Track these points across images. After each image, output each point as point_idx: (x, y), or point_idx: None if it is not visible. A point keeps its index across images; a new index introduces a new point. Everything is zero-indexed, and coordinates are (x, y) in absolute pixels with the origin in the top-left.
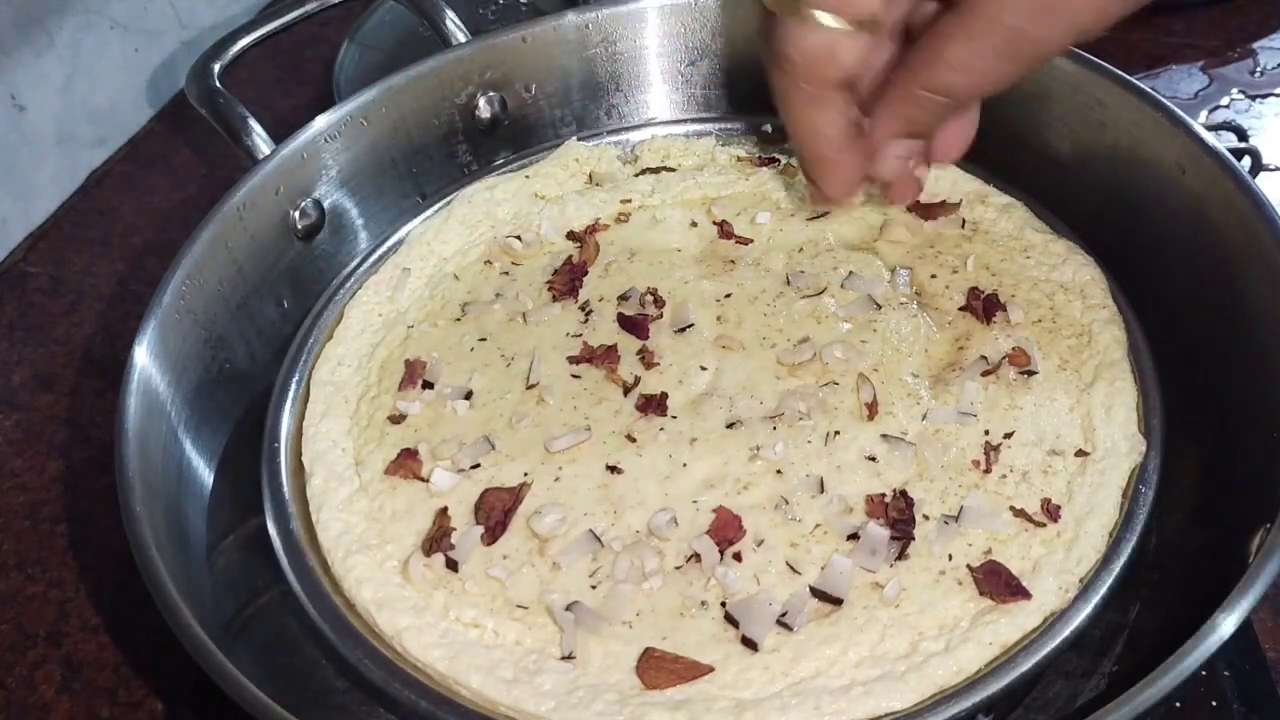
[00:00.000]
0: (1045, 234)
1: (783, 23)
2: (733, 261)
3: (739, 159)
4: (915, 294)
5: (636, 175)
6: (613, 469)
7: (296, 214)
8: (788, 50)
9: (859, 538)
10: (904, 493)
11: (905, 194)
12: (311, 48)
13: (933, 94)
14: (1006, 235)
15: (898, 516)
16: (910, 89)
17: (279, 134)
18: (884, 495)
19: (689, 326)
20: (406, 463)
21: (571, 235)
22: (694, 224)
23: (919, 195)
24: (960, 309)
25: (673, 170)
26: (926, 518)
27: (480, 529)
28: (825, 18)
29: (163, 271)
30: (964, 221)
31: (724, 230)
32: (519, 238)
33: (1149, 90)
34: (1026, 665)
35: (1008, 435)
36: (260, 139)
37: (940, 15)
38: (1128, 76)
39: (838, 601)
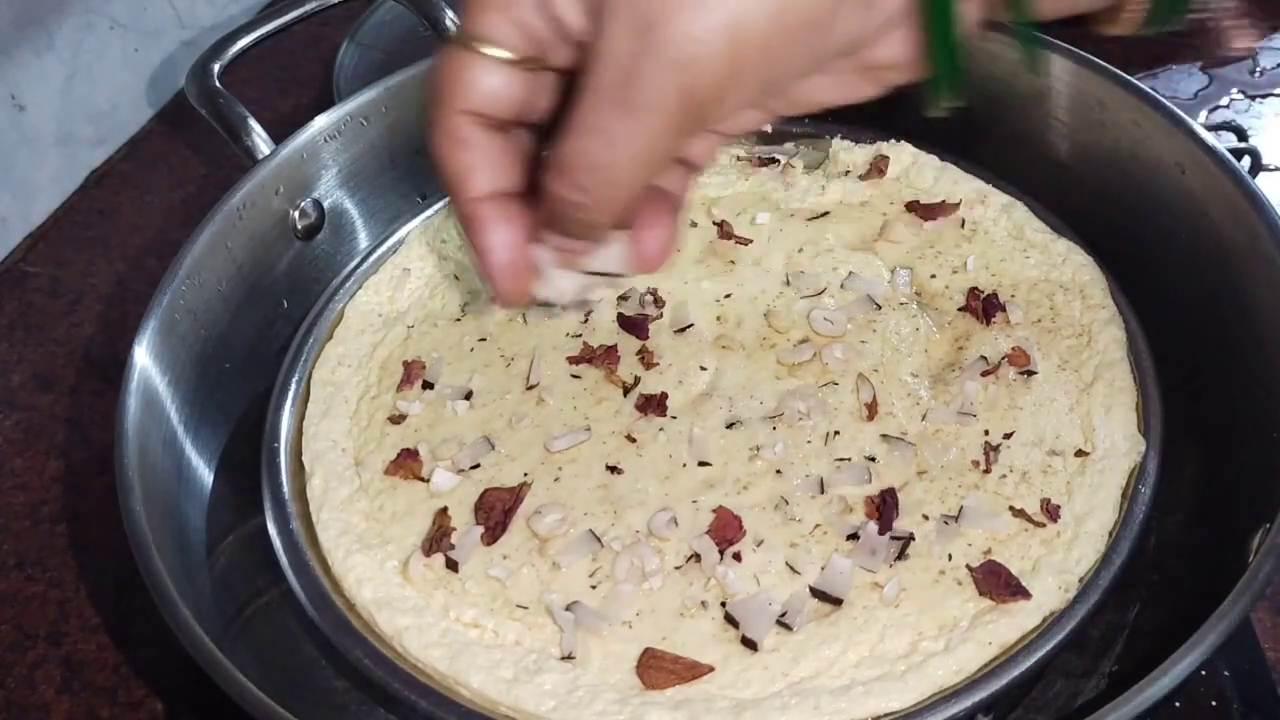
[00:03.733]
0: (1045, 234)
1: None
2: (733, 261)
3: (739, 159)
4: (915, 294)
5: None
6: (613, 469)
7: (296, 214)
8: (432, 73)
9: (859, 538)
10: (890, 491)
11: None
12: (311, 48)
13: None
14: (1006, 235)
15: (878, 512)
16: (552, 186)
17: (279, 134)
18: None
19: (689, 326)
20: (406, 463)
21: None
22: (694, 224)
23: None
24: (960, 309)
25: None
26: (926, 518)
27: (480, 529)
28: (480, 45)
29: (163, 271)
30: (964, 221)
31: (724, 230)
32: None
33: (1149, 90)
34: (1026, 665)
35: (1007, 435)
36: (260, 139)
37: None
38: (1128, 76)
39: (838, 601)
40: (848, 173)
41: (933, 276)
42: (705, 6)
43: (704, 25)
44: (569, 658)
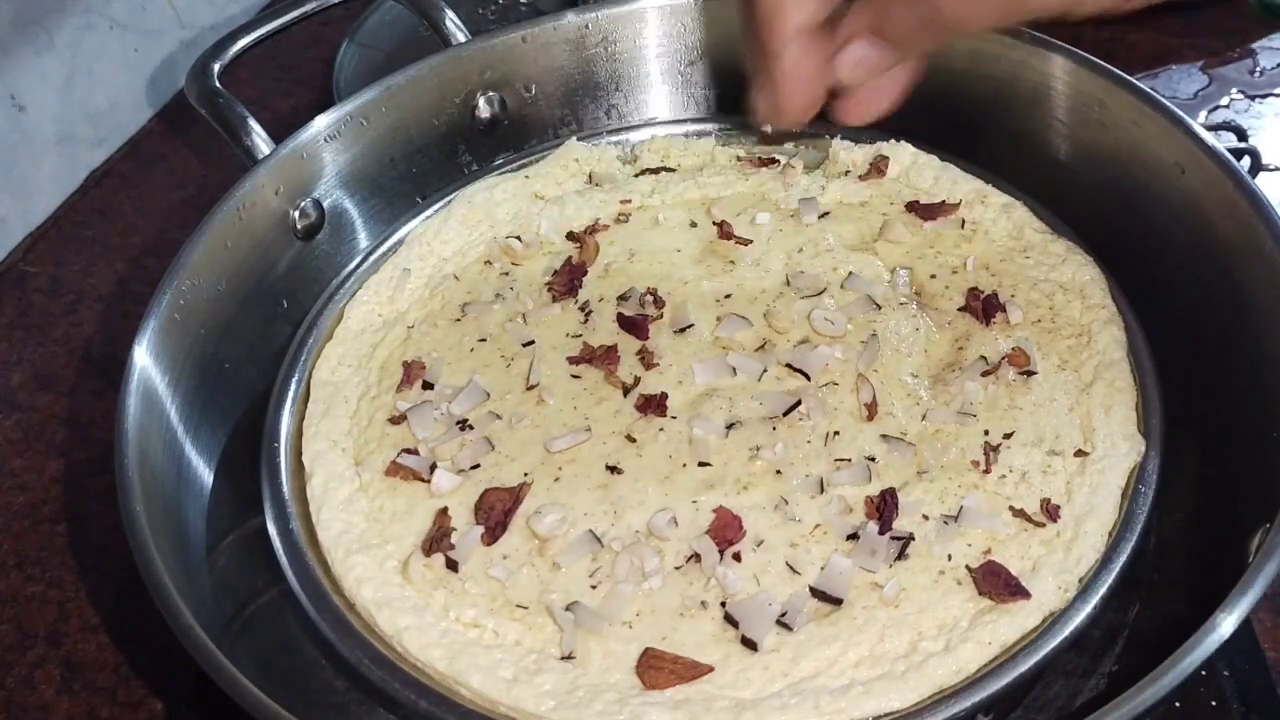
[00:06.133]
0: (1045, 234)
1: None
2: (733, 261)
3: (739, 159)
4: (915, 294)
5: (636, 175)
6: (613, 469)
7: (296, 214)
8: None
9: (859, 538)
10: (890, 491)
11: (853, 113)
12: (311, 48)
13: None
14: (1006, 235)
15: (878, 512)
16: None
17: (279, 134)
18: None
19: (689, 327)
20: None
21: (571, 235)
22: (694, 224)
23: (864, 121)
24: (960, 309)
25: (673, 170)
26: (926, 518)
27: (480, 529)
28: None
29: (163, 271)
30: (964, 221)
31: (724, 230)
32: (519, 238)
33: (1149, 90)
34: (1026, 665)
35: (1007, 435)
36: (260, 139)
37: None
38: (1128, 76)
39: (837, 601)
40: (848, 173)
41: (933, 276)
42: None
43: None
44: (569, 658)
